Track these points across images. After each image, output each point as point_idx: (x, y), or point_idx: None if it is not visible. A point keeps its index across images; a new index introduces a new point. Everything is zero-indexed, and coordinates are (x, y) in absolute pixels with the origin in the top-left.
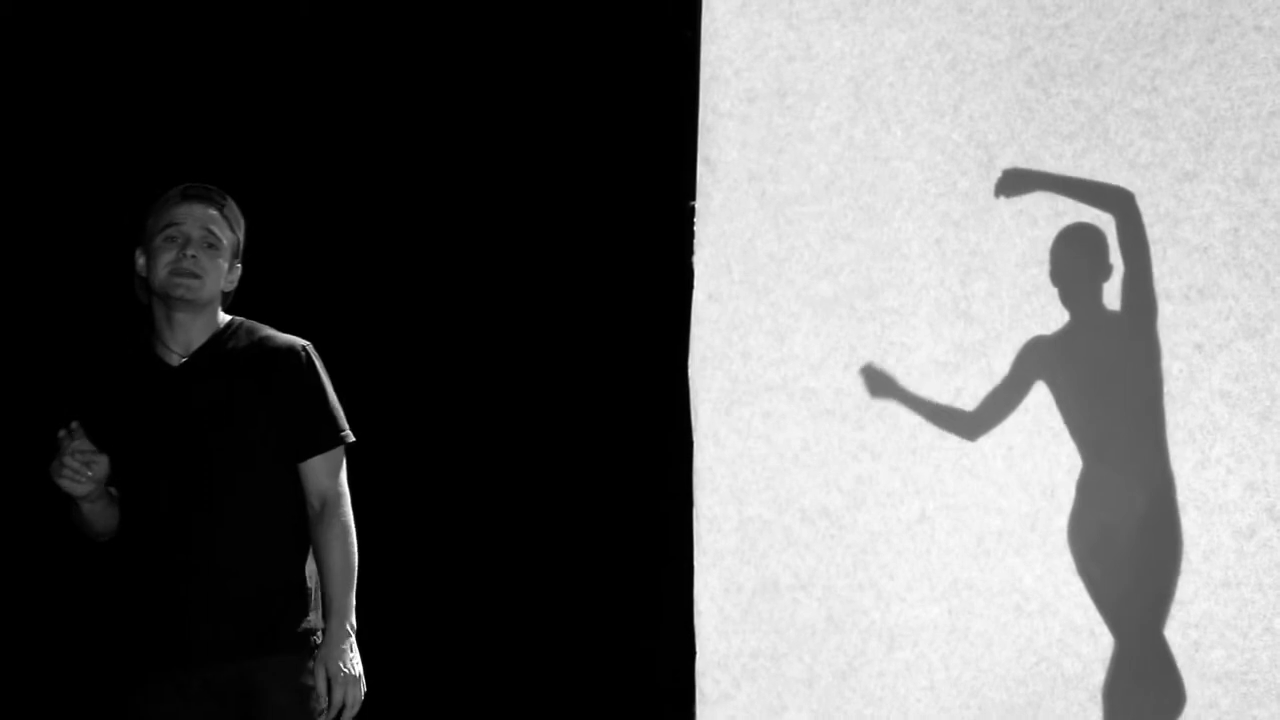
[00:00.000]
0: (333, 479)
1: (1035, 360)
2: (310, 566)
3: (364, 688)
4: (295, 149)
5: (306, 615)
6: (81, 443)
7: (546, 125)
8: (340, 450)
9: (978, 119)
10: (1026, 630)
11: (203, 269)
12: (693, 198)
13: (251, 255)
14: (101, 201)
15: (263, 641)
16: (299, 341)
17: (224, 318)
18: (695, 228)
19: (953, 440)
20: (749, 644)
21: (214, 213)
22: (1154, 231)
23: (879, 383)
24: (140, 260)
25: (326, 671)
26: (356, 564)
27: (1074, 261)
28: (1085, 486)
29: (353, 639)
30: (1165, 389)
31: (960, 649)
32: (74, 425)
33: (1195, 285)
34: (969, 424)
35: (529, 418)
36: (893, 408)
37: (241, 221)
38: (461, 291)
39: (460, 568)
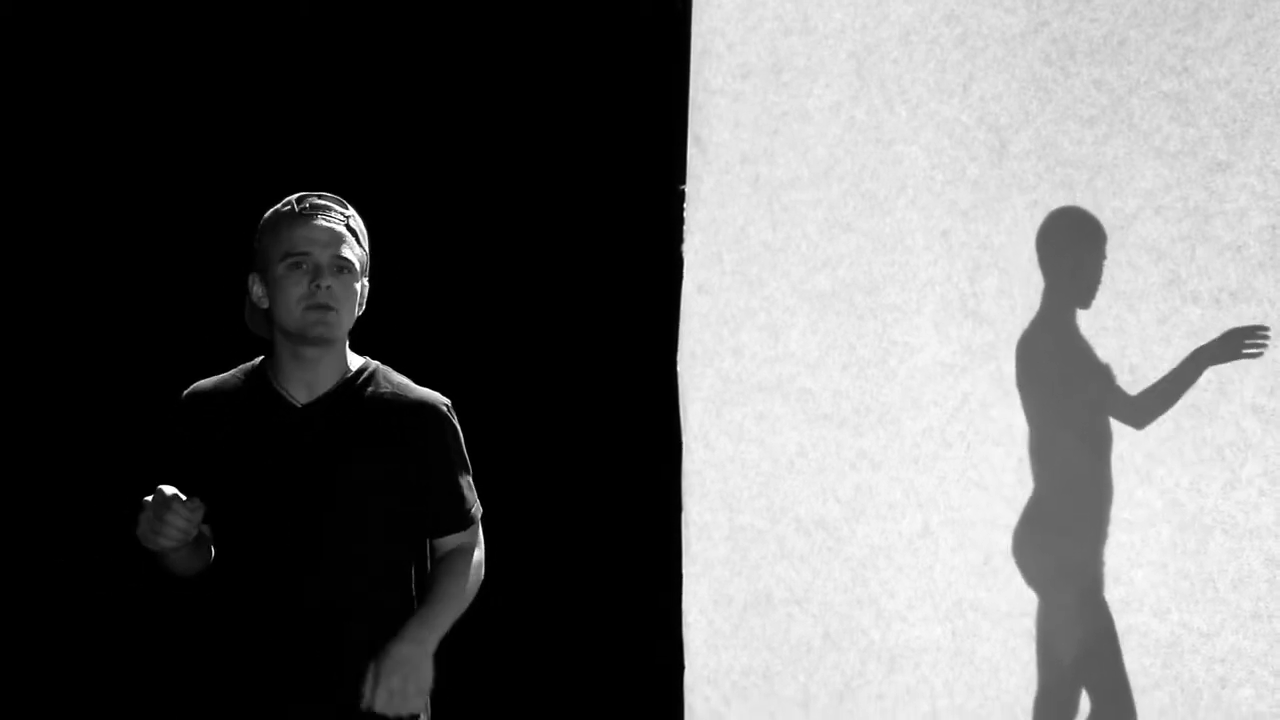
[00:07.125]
0: (468, 538)
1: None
2: None
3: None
4: (284, 146)
5: None
6: (195, 506)
7: (524, 101)
8: None
9: (989, 100)
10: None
11: (337, 300)
12: (682, 180)
13: (237, 255)
14: (102, 202)
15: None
16: (441, 399)
17: (354, 359)
18: (685, 213)
19: (958, 450)
20: (740, 660)
21: (340, 230)
22: (1182, 227)
23: None
24: (257, 290)
25: (395, 656)
26: (468, 603)
27: (1056, 257)
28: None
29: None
30: (1191, 401)
31: (965, 674)
32: (196, 502)
33: (1227, 288)
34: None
35: (505, 416)
36: (894, 413)
37: (364, 230)
38: (431, 287)
39: None
